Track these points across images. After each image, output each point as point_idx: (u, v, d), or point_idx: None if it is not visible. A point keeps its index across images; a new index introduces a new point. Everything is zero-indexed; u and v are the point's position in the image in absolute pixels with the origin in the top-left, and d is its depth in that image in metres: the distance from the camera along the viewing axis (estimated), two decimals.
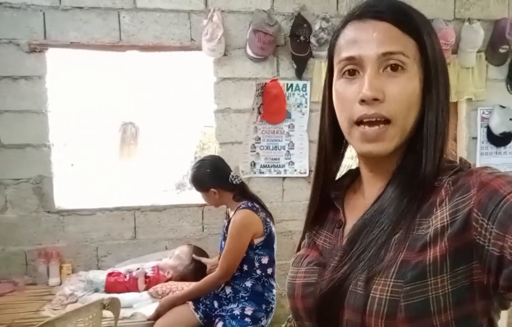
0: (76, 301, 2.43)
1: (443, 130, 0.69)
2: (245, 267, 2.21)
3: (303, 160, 3.15)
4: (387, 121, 0.67)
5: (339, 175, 0.88)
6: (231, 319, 2.15)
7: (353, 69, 0.69)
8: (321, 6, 3.11)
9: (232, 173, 2.32)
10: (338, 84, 0.72)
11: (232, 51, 3.04)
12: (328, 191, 0.82)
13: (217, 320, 2.19)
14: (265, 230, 2.22)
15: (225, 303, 2.25)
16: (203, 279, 2.26)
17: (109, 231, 3.01)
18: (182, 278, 2.65)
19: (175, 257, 2.72)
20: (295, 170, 3.12)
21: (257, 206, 2.25)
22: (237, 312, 2.17)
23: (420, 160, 0.68)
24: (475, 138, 3.35)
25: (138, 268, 2.75)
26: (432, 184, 0.67)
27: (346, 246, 0.70)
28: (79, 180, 3.10)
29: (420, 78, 0.68)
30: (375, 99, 0.66)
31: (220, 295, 2.27)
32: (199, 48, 2.99)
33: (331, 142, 0.80)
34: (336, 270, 0.69)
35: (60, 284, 2.84)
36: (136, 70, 3.06)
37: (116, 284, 2.54)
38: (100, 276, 2.58)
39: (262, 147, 3.11)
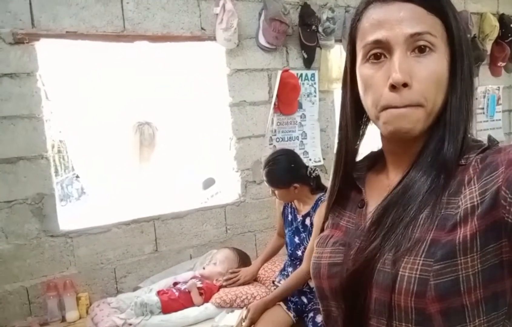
0: None
1: (467, 111, 0.69)
2: None
3: (316, 149, 3.18)
4: (415, 105, 0.66)
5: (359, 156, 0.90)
6: None
7: (380, 53, 0.68)
8: None
9: (309, 166, 2.25)
10: (364, 69, 0.71)
11: (243, 41, 2.91)
12: (350, 172, 0.83)
13: (312, 314, 2.11)
14: None
15: (313, 296, 2.17)
16: (291, 276, 2.15)
17: (127, 247, 2.64)
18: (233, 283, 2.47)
19: (221, 262, 2.52)
20: (310, 160, 3.13)
21: None
22: None
23: (445, 138, 0.69)
24: None
25: (177, 283, 2.49)
26: (456, 163, 0.67)
27: (372, 226, 0.70)
28: (87, 194, 2.63)
29: (448, 58, 0.68)
30: (405, 85, 0.65)
31: (305, 290, 2.19)
32: (210, 38, 2.80)
33: (353, 125, 0.80)
34: (363, 249, 0.69)
35: (80, 318, 2.42)
36: (142, 63, 2.72)
37: (171, 303, 2.25)
38: (152, 297, 2.25)
39: (278, 139, 3.05)
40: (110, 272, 2.60)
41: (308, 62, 3.10)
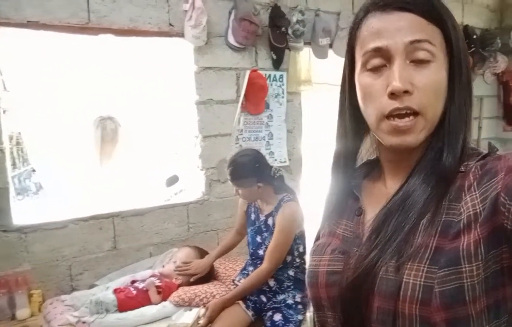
0: None
1: (466, 119, 0.70)
2: (288, 258, 2.18)
3: (282, 150, 3.19)
4: (416, 113, 0.66)
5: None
6: (288, 309, 2.11)
7: (379, 61, 0.68)
8: None
9: (273, 166, 2.25)
10: (363, 77, 0.71)
11: (212, 39, 2.89)
12: (347, 180, 0.83)
13: (270, 313, 2.12)
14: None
15: (272, 295, 2.18)
16: (251, 275, 2.15)
17: (84, 244, 2.57)
18: (192, 282, 2.44)
19: (181, 261, 2.47)
20: (275, 160, 3.14)
21: (296, 197, 2.24)
22: (290, 301, 2.14)
23: (445, 146, 0.69)
24: None
25: (135, 280, 2.44)
26: (456, 171, 0.68)
27: (372, 233, 0.70)
28: (44, 188, 2.54)
29: (446, 67, 0.69)
30: (405, 92, 0.65)
31: (264, 289, 2.19)
32: (178, 34, 2.77)
33: (352, 133, 0.79)
34: (363, 257, 0.68)
35: (32, 315, 2.33)
36: (107, 56, 2.65)
37: (128, 301, 2.20)
38: (108, 295, 2.20)
39: (244, 139, 3.04)
40: (66, 269, 2.52)
41: (277, 63, 3.11)
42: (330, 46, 3.29)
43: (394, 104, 0.66)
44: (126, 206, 2.69)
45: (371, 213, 0.75)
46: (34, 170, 2.47)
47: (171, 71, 2.91)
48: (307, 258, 2.32)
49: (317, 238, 0.86)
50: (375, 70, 0.69)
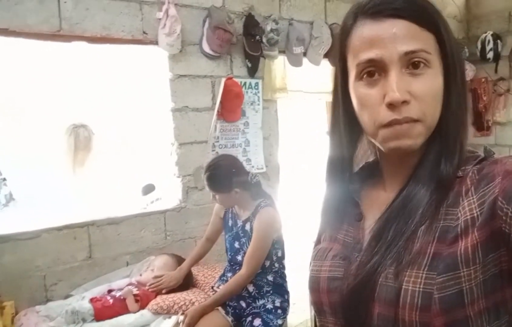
0: None
1: (464, 121, 0.71)
2: (267, 263, 2.19)
3: (258, 157, 3.22)
4: (415, 120, 0.66)
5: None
6: (267, 314, 2.12)
7: (373, 70, 0.67)
8: (266, 8, 3.23)
9: (250, 172, 2.27)
10: (358, 87, 0.70)
11: (186, 47, 2.91)
12: (346, 185, 0.82)
13: (250, 318, 2.12)
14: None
15: (251, 301, 2.18)
16: (230, 281, 2.15)
17: (58, 254, 2.52)
18: (170, 290, 2.42)
19: (159, 269, 2.46)
20: (253, 167, 3.16)
21: (274, 202, 2.26)
22: (269, 306, 2.15)
23: (443, 152, 0.69)
24: None
25: (112, 290, 2.41)
26: (455, 174, 0.68)
27: (372, 240, 0.70)
28: (16, 199, 2.49)
29: (442, 72, 0.68)
30: (403, 102, 0.64)
31: (243, 294, 2.19)
32: (152, 42, 2.78)
33: (347, 140, 0.79)
34: (364, 263, 0.69)
35: None
36: (79, 64, 2.64)
37: (105, 310, 2.17)
38: (84, 304, 2.16)
39: (221, 146, 3.06)
40: (40, 279, 2.47)
41: (252, 71, 3.14)
42: (304, 54, 3.35)
43: (392, 116, 0.65)
44: (101, 214, 2.65)
45: (371, 218, 0.75)
46: (5, 180, 2.41)
47: (145, 78, 2.91)
48: (286, 262, 2.35)
49: (318, 242, 0.86)
50: (370, 79, 0.68)
